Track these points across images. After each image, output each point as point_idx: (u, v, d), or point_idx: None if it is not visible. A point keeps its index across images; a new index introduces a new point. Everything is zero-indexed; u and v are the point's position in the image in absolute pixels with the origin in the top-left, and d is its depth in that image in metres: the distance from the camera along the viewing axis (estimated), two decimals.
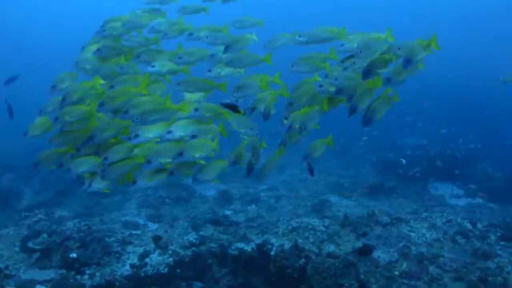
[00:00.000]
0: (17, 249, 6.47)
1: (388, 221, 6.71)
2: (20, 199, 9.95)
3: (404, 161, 11.53)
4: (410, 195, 10.32)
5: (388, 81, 3.94)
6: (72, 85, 4.23)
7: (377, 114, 4.01)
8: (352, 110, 4.03)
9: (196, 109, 4.13)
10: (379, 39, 3.87)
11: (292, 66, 4.16)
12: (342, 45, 3.93)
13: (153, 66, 4.33)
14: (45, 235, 6.51)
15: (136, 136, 3.98)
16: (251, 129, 4.25)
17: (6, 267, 5.88)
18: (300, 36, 4.12)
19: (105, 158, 4.04)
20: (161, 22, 4.54)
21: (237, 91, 4.19)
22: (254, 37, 4.43)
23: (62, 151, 4.29)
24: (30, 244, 6.35)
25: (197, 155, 4.09)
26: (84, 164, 4.13)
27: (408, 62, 3.76)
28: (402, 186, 10.85)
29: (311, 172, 4.80)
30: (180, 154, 4.04)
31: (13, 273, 5.80)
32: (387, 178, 11.45)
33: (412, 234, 6.34)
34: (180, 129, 4.10)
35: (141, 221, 8.21)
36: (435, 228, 6.50)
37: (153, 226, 7.98)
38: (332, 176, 11.96)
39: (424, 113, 16.29)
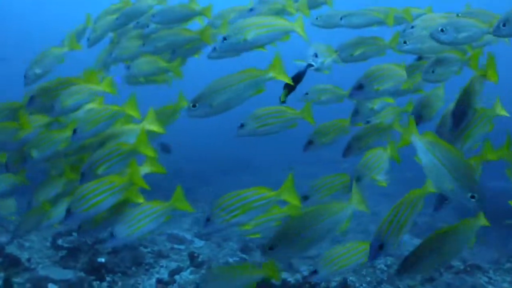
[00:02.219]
0: (48, 244, 6.10)
1: (462, 267, 5.84)
2: None
3: None
4: (492, 242, 9.08)
5: None
6: None
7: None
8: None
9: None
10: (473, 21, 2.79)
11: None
12: None
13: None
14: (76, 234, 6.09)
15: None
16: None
17: (29, 260, 5.53)
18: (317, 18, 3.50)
19: None
20: None
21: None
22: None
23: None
24: (59, 242, 5.97)
25: (92, 210, 2.71)
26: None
27: None
28: (482, 230, 9.57)
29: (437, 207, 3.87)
30: (68, 211, 2.72)
31: (32, 266, 5.40)
32: None
33: (490, 287, 5.47)
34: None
35: (188, 237, 7.60)
36: None
37: (199, 243, 7.33)
38: None
39: None
